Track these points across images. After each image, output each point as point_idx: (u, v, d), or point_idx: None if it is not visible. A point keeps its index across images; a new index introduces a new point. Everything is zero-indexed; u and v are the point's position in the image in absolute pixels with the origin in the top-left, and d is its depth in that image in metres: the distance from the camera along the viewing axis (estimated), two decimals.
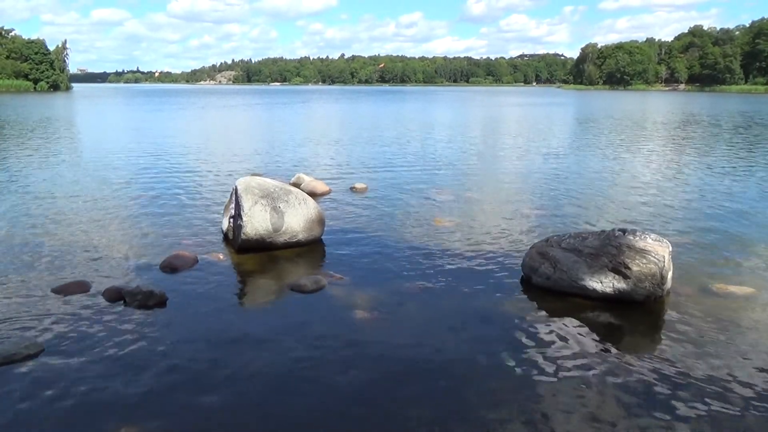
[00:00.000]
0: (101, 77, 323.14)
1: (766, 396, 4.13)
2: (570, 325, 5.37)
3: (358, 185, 12.00)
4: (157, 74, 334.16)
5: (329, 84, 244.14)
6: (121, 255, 7.27)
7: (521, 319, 5.49)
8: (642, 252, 5.75)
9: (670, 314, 5.61)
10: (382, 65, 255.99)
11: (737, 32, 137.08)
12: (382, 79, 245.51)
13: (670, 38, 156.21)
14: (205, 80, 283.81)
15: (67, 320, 5.28)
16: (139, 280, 6.35)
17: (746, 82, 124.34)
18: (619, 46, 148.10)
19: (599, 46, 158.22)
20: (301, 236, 7.55)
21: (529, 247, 6.80)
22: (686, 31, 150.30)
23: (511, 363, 4.62)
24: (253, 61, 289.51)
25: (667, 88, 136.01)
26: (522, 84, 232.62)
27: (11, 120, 31.53)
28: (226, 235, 7.99)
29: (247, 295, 6.34)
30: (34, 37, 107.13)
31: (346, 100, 73.48)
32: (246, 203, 7.23)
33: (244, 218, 7.16)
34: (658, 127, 30.18)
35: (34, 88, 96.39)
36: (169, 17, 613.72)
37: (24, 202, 10.37)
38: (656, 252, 5.74)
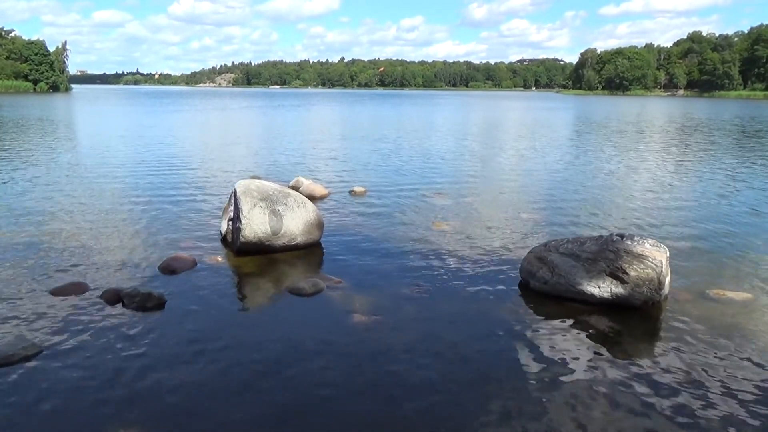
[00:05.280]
0: (101, 79, 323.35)
1: (764, 400, 4.14)
2: (567, 329, 5.38)
3: (357, 188, 12.01)
4: (156, 76, 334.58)
5: (329, 87, 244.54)
6: (119, 257, 7.27)
7: (519, 323, 5.50)
8: (640, 257, 5.76)
9: (667, 319, 5.62)
10: (381, 69, 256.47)
11: (736, 38, 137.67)
12: (382, 83, 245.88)
13: (669, 44, 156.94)
14: (205, 83, 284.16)
15: (65, 322, 5.27)
16: (138, 282, 6.35)
17: (745, 87, 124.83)
18: (618, 52, 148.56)
19: (599, 51, 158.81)
20: (299, 239, 7.56)
21: (527, 251, 6.81)
22: (685, 37, 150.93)
23: (508, 367, 4.62)
24: (253, 64, 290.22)
25: (665, 94, 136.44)
26: (521, 89, 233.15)
27: (10, 121, 31.52)
28: (224, 238, 7.99)
29: (246, 298, 6.34)
30: (34, 38, 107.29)
31: (345, 103, 73.55)
32: (245, 206, 7.23)
33: (242, 221, 7.17)
34: (656, 132, 30.26)
35: (34, 89, 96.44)
36: (170, 19, 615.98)
37: (22, 203, 10.36)
38: (654, 257, 5.75)
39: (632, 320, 5.63)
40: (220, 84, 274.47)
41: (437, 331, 5.25)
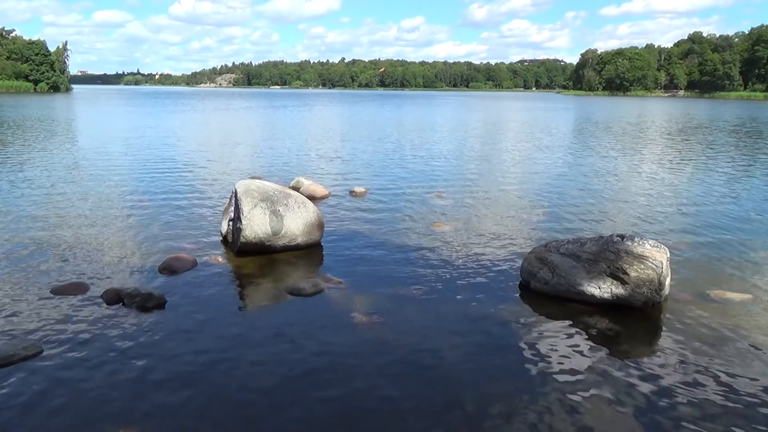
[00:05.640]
0: (102, 79, 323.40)
1: (764, 401, 4.14)
2: (568, 330, 5.38)
3: (358, 189, 12.01)
4: (157, 76, 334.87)
5: (329, 88, 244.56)
6: (120, 257, 7.27)
7: (519, 324, 5.50)
8: (640, 258, 5.76)
9: (667, 320, 5.62)
10: (382, 69, 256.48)
11: (736, 39, 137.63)
12: (382, 84, 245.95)
13: (670, 44, 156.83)
14: (205, 83, 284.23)
15: (66, 321, 5.28)
16: (138, 282, 6.35)
17: (745, 88, 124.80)
18: (619, 52, 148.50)
19: (599, 51, 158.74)
20: (300, 240, 7.56)
21: (527, 252, 6.81)
22: (686, 37, 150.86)
23: (508, 368, 4.63)
24: (253, 64, 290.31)
25: (666, 95, 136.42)
26: (522, 89, 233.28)
27: (11, 121, 31.53)
28: (225, 238, 8.00)
29: (246, 298, 6.34)
30: (35, 38, 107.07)
31: (346, 103, 73.56)
32: (245, 206, 7.24)
33: (243, 221, 7.17)
34: (657, 133, 30.26)
35: (34, 89, 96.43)
36: (171, 19, 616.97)
37: (23, 203, 10.37)
38: (654, 258, 5.75)
39: (632, 321, 5.63)
40: (220, 84, 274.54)
41: (438, 332, 5.25)
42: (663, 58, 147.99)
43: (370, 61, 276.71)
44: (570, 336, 5.25)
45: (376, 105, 68.77)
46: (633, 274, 5.70)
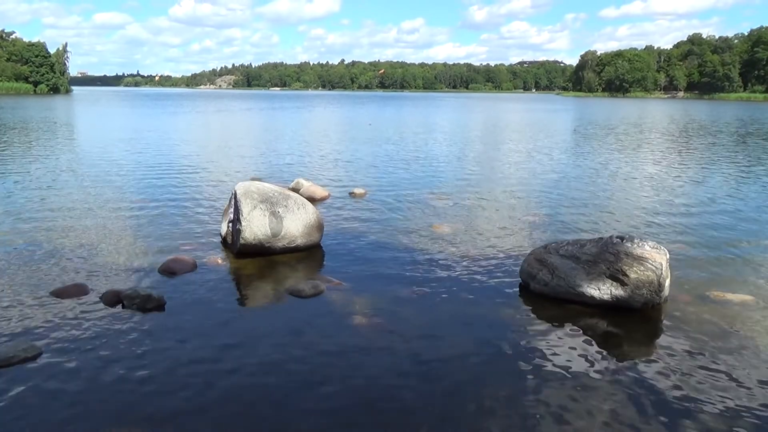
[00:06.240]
0: (101, 80, 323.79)
1: (763, 403, 4.14)
2: (567, 331, 5.38)
3: (357, 190, 12.02)
4: (157, 78, 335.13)
5: (329, 89, 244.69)
6: (119, 259, 7.27)
7: (519, 325, 5.50)
8: (640, 259, 5.76)
9: (667, 321, 5.62)
10: (382, 71, 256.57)
11: (736, 40, 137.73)
12: (382, 85, 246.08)
13: (669, 46, 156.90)
14: (205, 84, 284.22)
15: (65, 323, 5.28)
16: (138, 283, 6.35)
17: (745, 90, 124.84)
18: (619, 54, 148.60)
19: (599, 53, 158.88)
20: (299, 241, 7.56)
21: (527, 253, 6.81)
22: (685, 39, 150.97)
23: (508, 369, 4.63)
24: (253, 66, 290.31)
25: (665, 96, 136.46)
26: (521, 91, 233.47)
27: (11, 123, 31.53)
28: (224, 240, 8.00)
29: (246, 300, 6.34)
30: (35, 40, 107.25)
31: (346, 105, 73.59)
32: (245, 208, 7.24)
33: (243, 223, 7.17)
34: (656, 135, 30.27)
35: (34, 90, 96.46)
36: (171, 21, 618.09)
37: (23, 205, 10.37)
38: (654, 259, 5.75)
39: (632, 322, 5.63)
40: (220, 86, 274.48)
41: (437, 333, 5.25)
42: (662, 60, 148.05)
43: (370, 63, 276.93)
44: (569, 337, 5.25)
45: (376, 106, 68.81)
46: (632, 275, 5.70)
